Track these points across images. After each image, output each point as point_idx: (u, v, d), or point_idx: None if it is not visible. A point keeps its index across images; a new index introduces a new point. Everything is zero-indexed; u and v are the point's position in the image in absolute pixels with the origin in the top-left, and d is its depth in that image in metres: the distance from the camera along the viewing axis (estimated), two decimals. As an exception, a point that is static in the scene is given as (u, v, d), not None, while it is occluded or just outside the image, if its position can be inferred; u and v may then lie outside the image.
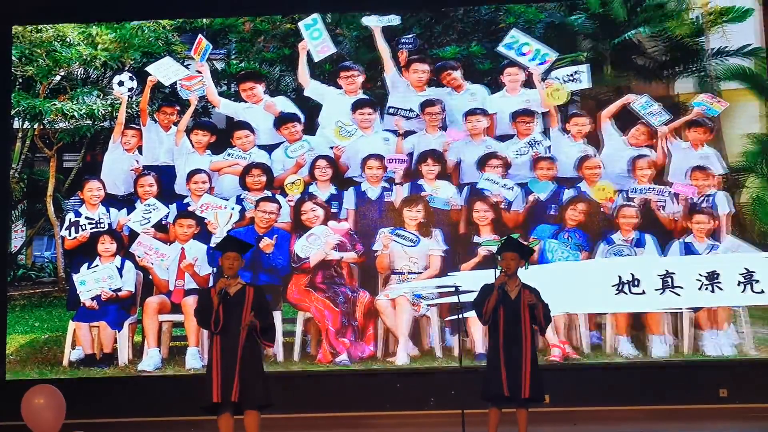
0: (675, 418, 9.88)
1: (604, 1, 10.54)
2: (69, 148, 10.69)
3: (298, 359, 9.92)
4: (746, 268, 10.14)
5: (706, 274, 10.14)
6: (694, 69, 10.50)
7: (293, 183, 10.28)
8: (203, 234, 10.19)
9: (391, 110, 10.42)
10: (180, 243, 10.14)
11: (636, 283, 10.15)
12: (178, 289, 10.11)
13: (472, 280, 9.41)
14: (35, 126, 10.67)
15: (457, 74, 10.41)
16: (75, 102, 10.60)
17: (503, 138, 10.35)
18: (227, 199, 10.30)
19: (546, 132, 10.36)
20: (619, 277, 10.13)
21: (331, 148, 10.37)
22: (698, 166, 10.15)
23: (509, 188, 10.15)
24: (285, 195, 10.29)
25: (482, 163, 10.20)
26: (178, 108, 10.53)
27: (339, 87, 10.47)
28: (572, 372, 10.02)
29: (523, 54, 10.42)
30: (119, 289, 10.10)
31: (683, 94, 10.48)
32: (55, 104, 10.58)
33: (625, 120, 10.30)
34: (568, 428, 9.71)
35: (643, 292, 10.14)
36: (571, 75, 10.37)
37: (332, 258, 10.09)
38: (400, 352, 9.92)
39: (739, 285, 10.13)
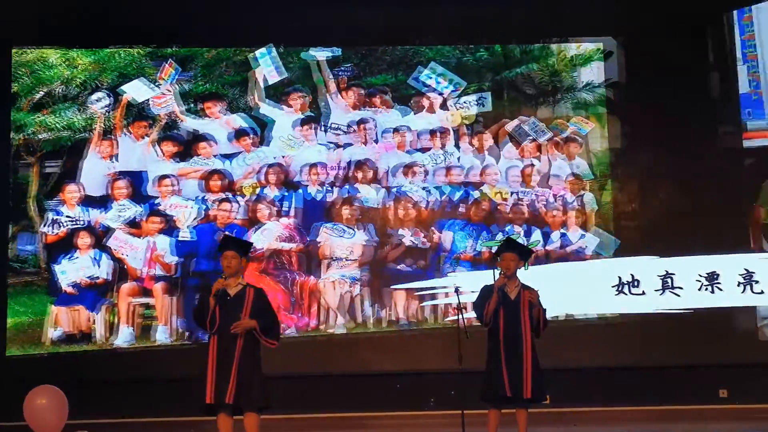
0: (675, 418, 9.82)
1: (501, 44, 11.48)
2: (49, 155, 11.13)
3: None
4: (746, 269, 10.39)
5: (706, 275, 10.37)
6: (569, 97, 11.41)
7: (248, 186, 11.16)
8: (170, 229, 11.03)
9: (332, 126, 11.29)
10: (150, 237, 11.00)
11: (636, 283, 10.47)
12: (149, 275, 10.99)
13: (471, 280, 9.93)
14: (19, 136, 11.12)
15: (386, 98, 11.38)
16: (56, 116, 11.11)
17: (423, 150, 11.33)
18: (191, 200, 11.10)
19: (457, 145, 11.32)
20: (619, 278, 10.58)
21: (282, 156, 11.23)
22: (572, 173, 11.29)
23: (427, 191, 11.22)
24: (242, 196, 11.11)
25: (405, 170, 11.28)
26: (150, 122, 11.18)
27: (288, 106, 11.24)
28: (572, 372, 10.04)
29: (440, 82, 11.37)
30: (96, 277, 10.89)
31: (561, 117, 11.39)
32: (38, 117, 11.11)
33: (518, 136, 11.32)
34: (568, 428, 9.62)
35: (643, 293, 10.48)
36: (477, 99, 11.33)
37: (281, 248, 11.07)
38: (338, 324, 10.99)
39: (738, 285, 10.41)
